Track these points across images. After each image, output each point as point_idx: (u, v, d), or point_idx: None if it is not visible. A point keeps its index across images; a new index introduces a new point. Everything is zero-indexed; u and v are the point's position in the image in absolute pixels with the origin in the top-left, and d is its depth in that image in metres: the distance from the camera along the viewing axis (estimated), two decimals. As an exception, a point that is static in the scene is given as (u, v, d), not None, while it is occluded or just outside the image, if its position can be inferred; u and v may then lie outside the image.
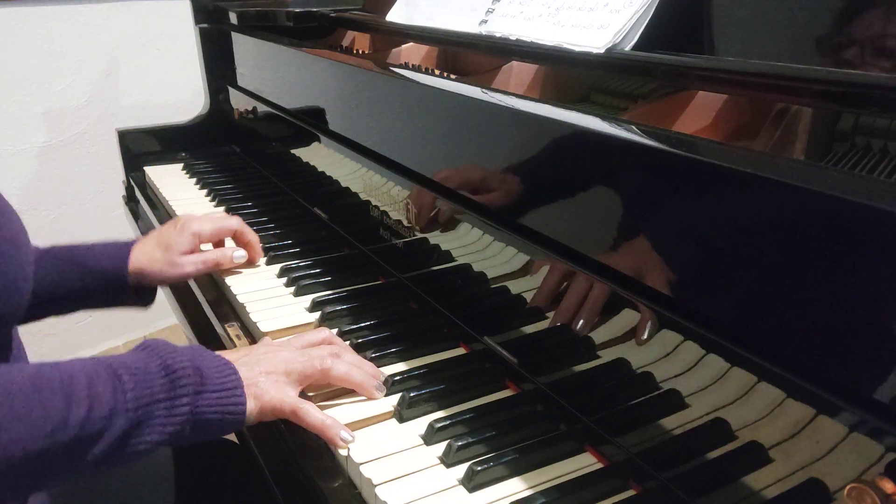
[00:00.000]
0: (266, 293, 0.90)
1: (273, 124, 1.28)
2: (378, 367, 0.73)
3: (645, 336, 0.55)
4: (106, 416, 0.54)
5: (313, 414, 0.63)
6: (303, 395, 0.68)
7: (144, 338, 2.07)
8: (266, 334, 0.80)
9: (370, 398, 0.68)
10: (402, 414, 0.66)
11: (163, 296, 1.16)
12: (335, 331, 0.80)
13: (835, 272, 0.41)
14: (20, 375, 0.53)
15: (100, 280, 0.86)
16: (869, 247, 0.39)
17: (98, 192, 2.01)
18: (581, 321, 0.61)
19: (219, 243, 0.98)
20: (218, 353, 0.66)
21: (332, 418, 0.64)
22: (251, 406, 0.63)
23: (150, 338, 2.36)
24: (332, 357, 0.68)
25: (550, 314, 0.65)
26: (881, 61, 0.56)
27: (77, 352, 2.05)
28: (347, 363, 0.68)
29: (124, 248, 0.89)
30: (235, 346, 0.84)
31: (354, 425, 0.64)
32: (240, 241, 0.97)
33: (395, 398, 0.68)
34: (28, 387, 0.52)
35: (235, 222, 0.96)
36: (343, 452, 0.62)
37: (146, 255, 0.89)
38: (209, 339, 0.92)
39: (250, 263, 0.98)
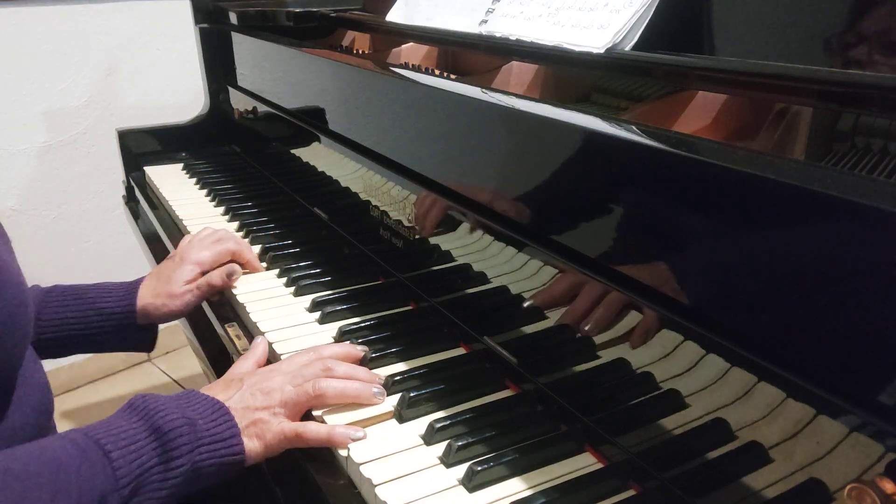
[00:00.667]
0: (266, 293, 0.90)
1: (273, 124, 1.28)
2: (378, 367, 0.73)
3: (645, 336, 0.55)
4: (96, 500, 0.53)
5: (315, 430, 0.63)
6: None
7: (144, 338, 2.06)
8: (265, 334, 0.80)
9: (371, 405, 0.67)
10: (402, 414, 0.66)
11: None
12: (335, 330, 0.80)
13: (834, 272, 0.41)
14: (4, 475, 0.51)
15: (108, 320, 0.85)
16: (869, 247, 0.39)
17: (98, 192, 2.01)
18: (580, 321, 0.61)
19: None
20: (208, 389, 0.65)
21: (334, 426, 0.64)
22: (256, 446, 0.62)
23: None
24: (324, 378, 0.67)
25: (550, 314, 0.65)
26: (882, 61, 0.56)
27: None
28: (340, 379, 0.67)
29: (132, 288, 0.88)
30: (235, 345, 0.84)
31: (355, 426, 0.64)
32: (237, 259, 0.96)
33: (395, 398, 0.68)
34: (15, 490, 0.50)
35: (232, 244, 0.96)
36: (343, 453, 0.62)
37: (150, 292, 0.88)
38: (209, 339, 0.92)
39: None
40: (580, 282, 0.60)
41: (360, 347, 0.74)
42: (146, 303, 0.87)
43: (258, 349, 0.75)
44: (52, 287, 0.86)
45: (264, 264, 0.98)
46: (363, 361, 0.73)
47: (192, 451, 0.58)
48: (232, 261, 0.95)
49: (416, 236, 0.84)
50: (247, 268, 0.96)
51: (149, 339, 0.90)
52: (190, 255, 0.93)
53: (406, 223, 0.85)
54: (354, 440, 0.62)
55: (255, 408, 0.64)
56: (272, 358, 0.77)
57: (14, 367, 0.63)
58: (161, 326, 0.91)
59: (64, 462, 0.53)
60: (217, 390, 0.66)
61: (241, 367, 0.72)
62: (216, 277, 0.91)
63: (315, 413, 0.67)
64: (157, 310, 0.87)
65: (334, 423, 0.64)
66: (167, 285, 0.89)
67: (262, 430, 0.63)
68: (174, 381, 2.11)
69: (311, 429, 0.63)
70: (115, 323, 0.86)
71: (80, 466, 0.53)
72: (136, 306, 0.86)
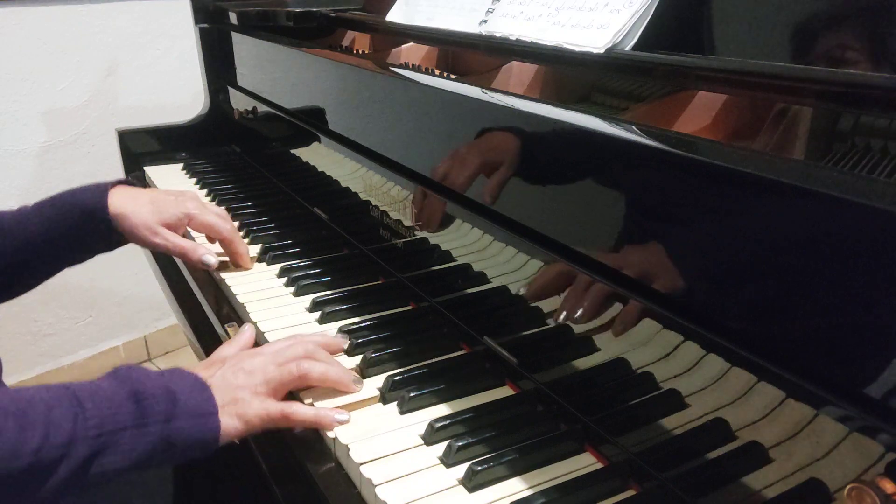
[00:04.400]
0: (266, 293, 0.90)
1: (273, 124, 1.28)
2: (377, 367, 0.73)
3: (645, 335, 0.55)
4: (64, 443, 0.54)
5: (302, 411, 0.64)
6: (294, 397, 0.68)
7: (144, 338, 2.08)
8: (265, 334, 0.80)
9: (348, 392, 0.68)
10: (403, 414, 0.65)
11: (163, 296, 1.16)
12: (335, 331, 0.80)
13: (834, 272, 0.41)
14: None
15: (81, 213, 0.86)
16: (869, 247, 0.39)
17: (98, 192, 2.01)
18: (581, 321, 0.61)
19: (209, 238, 0.98)
20: (193, 368, 0.65)
21: (322, 409, 0.65)
22: (235, 424, 0.62)
23: (149, 337, 2.35)
24: (307, 360, 0.68)
25: (551, 314, 0.65)
26: (881, 61, 0.56)
27: (77, 351, 2.05)
28: (322, 363, 0.68)
29: (105, 184, 0.89)
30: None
31: (354, 426, 0.64)
32: (226, 248, 0.96)
33: (395, 398, 0.68)
34: None
35: (227, 231, 0.95)
36: (343, 453, 0.62)
37: (135, 205, 0.88)
38: (209, 339, 0.92)
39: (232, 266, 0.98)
40: (579, 281, 0.60)
41: (340, 337, 0.76)
42: (126, 211, 0.87)
43: (244, 335, 0.75)
44: (20, 207, 0.88)
45: (263, 263, 0.98)
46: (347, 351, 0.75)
47: (168, 421, 0.59)
48: (224, 250, 0.96)
49: (416, 236, 0.84)
50: (236, 259, 0.96)
51: (114, 240, 0.91)
52: (188, 203, 0.93)
53: (406, 223, 0.85)
54: (341, 423, 0.64)
55: (237, 386, 0.64)
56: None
57: None
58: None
59: (34, 402, 0.55)
60: (199, 369, 0.66)
61: (225, 350, 0.72)
62: (192, 253, 0.91)
63: (306, 400, 0.68)
64: (130, 227, 0.88)
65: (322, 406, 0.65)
66: (151, 213, 0.89)
67: (242, 408, 0.63)
68: (174, 381, 2.11)
69: (297, 409, 0.64)
70: (86, 216, 0.86)
71: (52, 408, 0.55)
72: (111, 208, 0.86)
